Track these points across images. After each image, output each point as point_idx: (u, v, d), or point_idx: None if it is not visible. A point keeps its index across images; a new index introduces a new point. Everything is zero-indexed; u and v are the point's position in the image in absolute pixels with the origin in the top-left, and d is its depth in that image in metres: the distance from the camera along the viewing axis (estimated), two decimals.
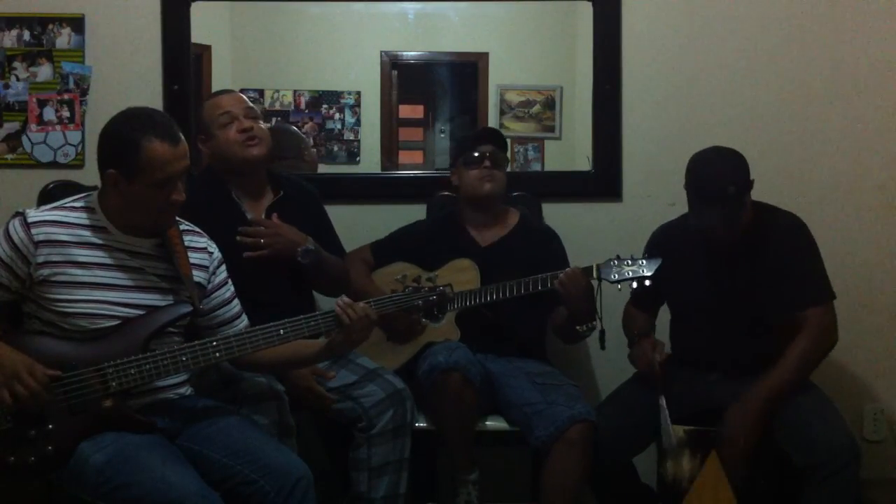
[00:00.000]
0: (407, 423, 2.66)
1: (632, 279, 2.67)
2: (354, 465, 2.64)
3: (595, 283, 2.71)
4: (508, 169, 3.08)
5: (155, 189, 2.17)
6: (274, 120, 4.59)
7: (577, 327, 2.78)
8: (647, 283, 2.67)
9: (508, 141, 3.44)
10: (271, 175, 2.83)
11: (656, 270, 2.66)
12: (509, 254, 2.94)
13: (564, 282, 2.68)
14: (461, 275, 2.87)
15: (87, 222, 2.23)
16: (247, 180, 2.76)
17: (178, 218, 2.34)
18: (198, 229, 2.42)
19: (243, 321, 2.45)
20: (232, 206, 2.73)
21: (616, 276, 2.68)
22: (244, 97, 2.81)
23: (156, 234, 2.29)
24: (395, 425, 2.63)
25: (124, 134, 2.18)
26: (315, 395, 2.62)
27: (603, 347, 2.75)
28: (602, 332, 2.75)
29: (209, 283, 2.38)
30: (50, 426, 2.09)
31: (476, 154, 2.96)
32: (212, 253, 2.41)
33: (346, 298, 2.35)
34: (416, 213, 3.19)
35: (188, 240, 2.36)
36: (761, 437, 2.55)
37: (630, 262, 2.69)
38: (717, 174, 2.59)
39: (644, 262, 2.68)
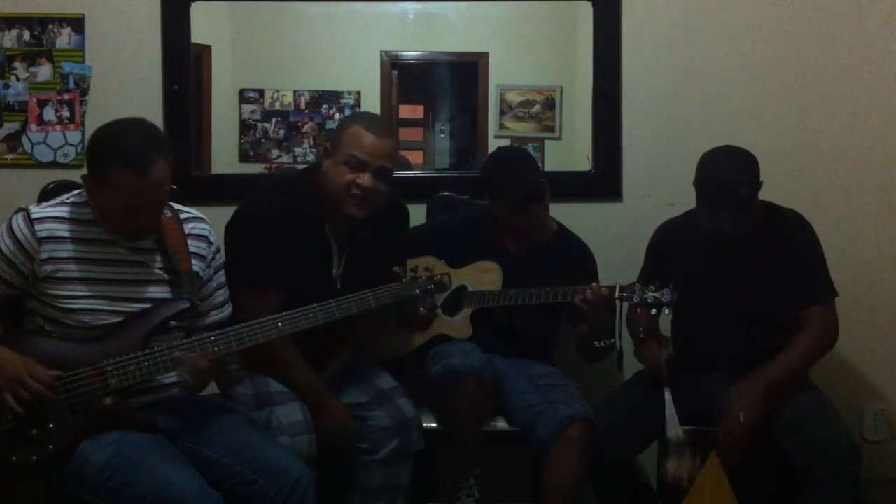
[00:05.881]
0: (411, 453, 2.63)
1: (652, 305, 2.58)
2: (351, 484, 2.62)
3: (617, 302, 2.67)
4: None
5: (120, 209, 2.17)
6: None
7: (595, 342, 2.74)
8: (667, 311, 2.58)
9: (508, 141, 3.42)
10: None
11: (678, 301, 2.56)
12: (538, 263, 2.88)
13: (588, 300, 2.62)
14: (484, 276, 2.86)
15: (88, 218, 2.23)
16: (340, 219, 2.57)
17: (180, 206, 2.36)
18: (201, 215, 2.41)
19: (228, 308, 2.45)
20: (321, 238, 2.58)
21: (637, 299, 2.59)
22: (391, 150, 2.55)
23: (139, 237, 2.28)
24: (399, 455, 2.61)
25: (98, 149, 2.18)
26: (350, 436, 2.56)
27: (620, 368, 2.76)
28: (620, 353, 2.74)
29: (207, 269, 2.38)
30: (51, 425, 2.10)
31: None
32: (212, 243, 2.41)
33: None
34: (416, 213, 3.17)
35: (189, 227, 2.35)
36: (761, 427, 2.54)
37: (654, 288, 2.58)
38: (730, 175, 2.56)
39: (668, 291, 2.56)
